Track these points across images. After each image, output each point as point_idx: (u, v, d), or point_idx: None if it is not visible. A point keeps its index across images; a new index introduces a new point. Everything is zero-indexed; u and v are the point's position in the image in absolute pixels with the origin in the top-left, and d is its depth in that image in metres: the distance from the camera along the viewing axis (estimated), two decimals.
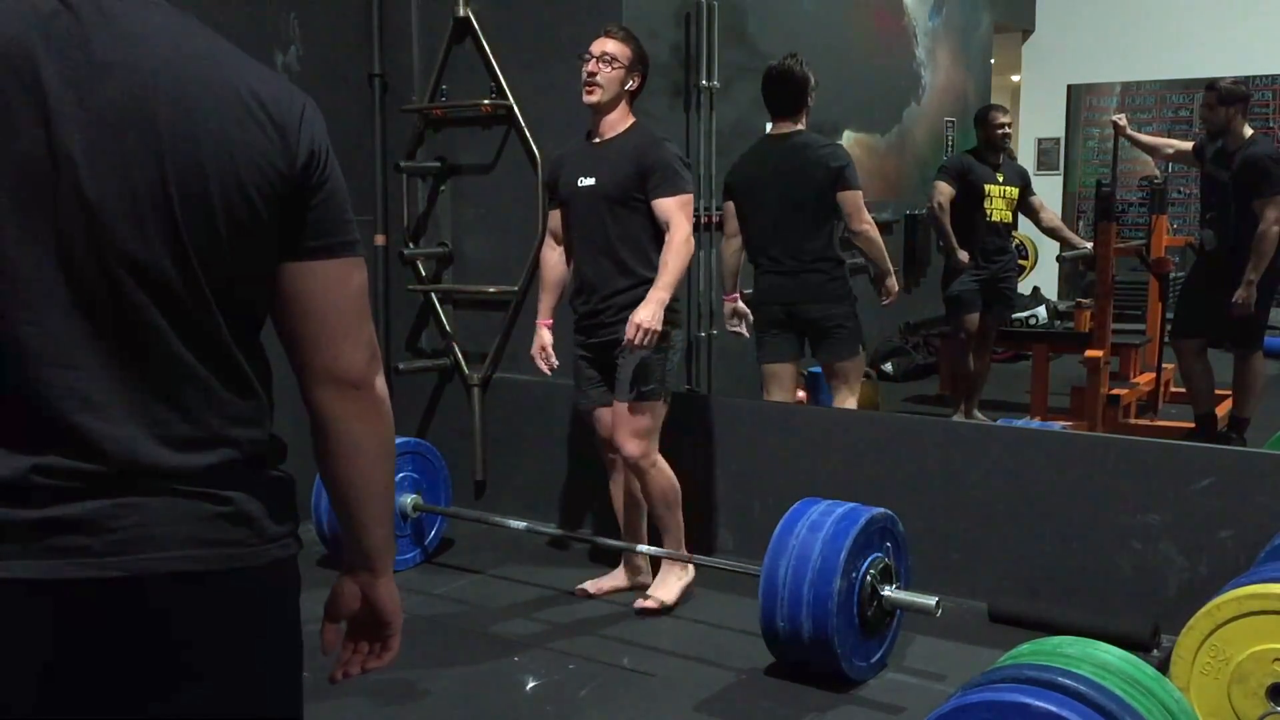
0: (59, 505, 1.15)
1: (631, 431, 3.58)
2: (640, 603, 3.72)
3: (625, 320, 3.48)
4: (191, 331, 1.21)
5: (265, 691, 1.31)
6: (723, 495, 4.26)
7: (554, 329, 3.81)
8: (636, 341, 3.41)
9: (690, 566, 3.79)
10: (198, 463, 1.21)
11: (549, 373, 3.80)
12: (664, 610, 3.71)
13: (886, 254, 4.38)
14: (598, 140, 3.62)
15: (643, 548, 3.74)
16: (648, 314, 3.41)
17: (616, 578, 3.92)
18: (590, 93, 3.54)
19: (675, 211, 3.49)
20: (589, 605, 3.83)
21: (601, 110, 3.57)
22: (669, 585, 3.75)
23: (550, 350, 3.77)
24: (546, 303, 3.85)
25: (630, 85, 3.57)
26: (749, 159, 4.45)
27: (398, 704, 3.12)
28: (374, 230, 4.70)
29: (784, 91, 4.26)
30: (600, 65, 3.51)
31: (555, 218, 3.80)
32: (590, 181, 3.59)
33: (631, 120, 3.62)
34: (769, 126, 4.39)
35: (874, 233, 4.26)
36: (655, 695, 3.20)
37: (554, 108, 4.40)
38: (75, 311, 1.16)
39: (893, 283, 4.40)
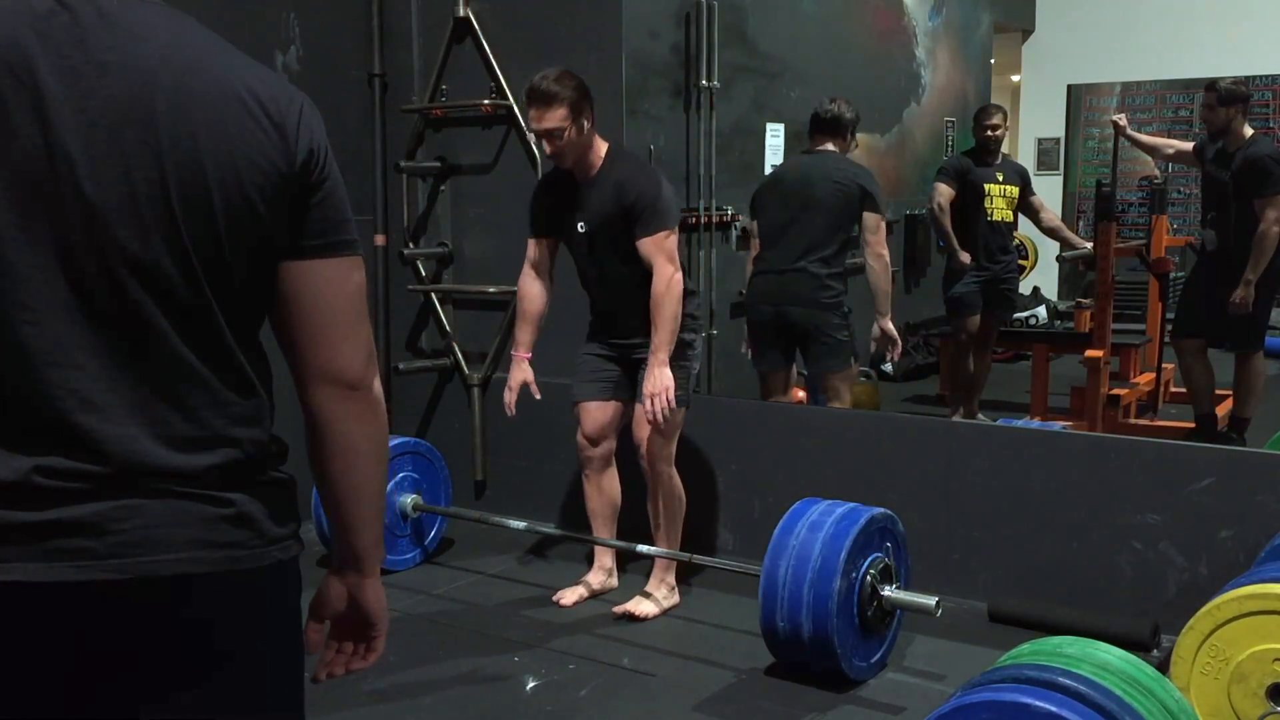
0: (61, 507, 1.14)
1: (654, 433, 3.59)
2: (620, 607, 3.73)
3: (649, 334, 3.51)
4: (192, 330, 1.21)
5: (266, 692, 1.31)
6: (723, 495, 4.26)
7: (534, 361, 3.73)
8: (657, 410, 3.43)
9: (676, 591, 3.81)
10: (199, 463, 1.21)
11: (512, 413, 3.72)
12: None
13: (890, 294, 4.43)
14: (581, 180, 3.52)
15: (643, 548, 3.74)
16: (655, 383, 3.43)
17: (587, 585, 3.90)
18: (562, 161, 3.46)
19: (656, 253, 3.43)
20: (588, 605, 3.83)
21: (576, 161, 3.48)
22: (656, 603, 3.74)
23: (533, 384, 3.69)
24: (526, 335, 3.72)
25: (586, 124, 3.41)
26: (779, 167, 4.58)
27: (398, 704, 3.12)
28: (374, 230, 4.70)
29: (830, 124, 4.45)
30: (553, 141, 3.39)
31: (537, 247, 3.69)
32: (584, 226, 3.55)
33: (604, 147, 3.50)
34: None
35: (888, 260, 4.36)
36: (655, 695, 3.20)
37: None
38: (75, 311, 1.16)
39: (890, 329, 4.44)
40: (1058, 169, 9.49)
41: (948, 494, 3.85)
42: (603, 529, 3.87)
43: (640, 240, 3.43)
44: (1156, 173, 8.47)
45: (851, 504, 3.25)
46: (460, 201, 4.74)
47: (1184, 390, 5.49)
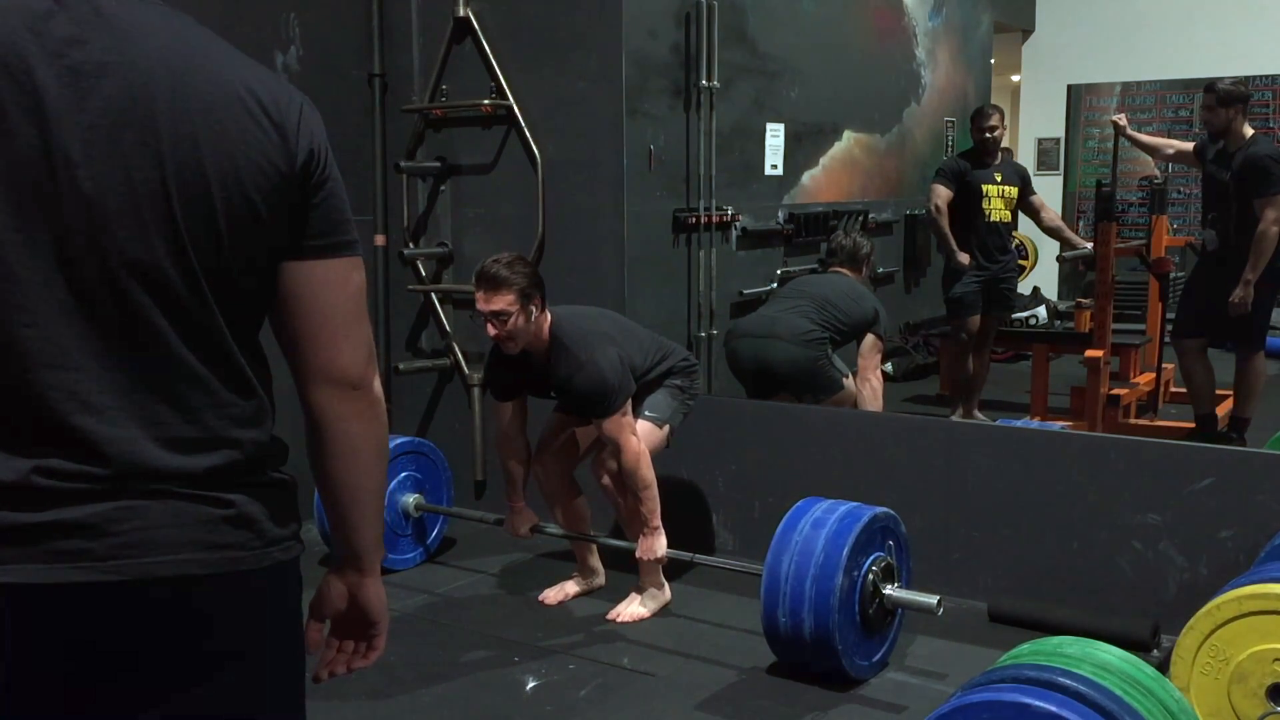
0: (60, 508, 1.14)
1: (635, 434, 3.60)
2: (611, 612, 3.73)
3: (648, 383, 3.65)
4: (192, 332, 1.21)
5: (267, 692, 1.31)
6: (723, 495, 4.26)
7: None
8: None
9: (667, 589, 3.81)
10: (199, 465, 1.21)
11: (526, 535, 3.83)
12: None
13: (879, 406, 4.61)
14: (536, 358, 3.48)
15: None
16: (648, 548, 3.55)
17: (574, 584, 3.93)
18: (506, 347, 3.40)
19: (616, 434, 3.45)
20: (588, 605, 3.83)
21: (524, 346, 3.43)
22: (644, 604, 3.75)
23: (538, 524, 3.79)
24: (518, 488, 3.74)
25: (535, 309, 3.34)
26: (802, 277, 4.96)
27: (397, 704, 3.12)
28: (374, 230, 4.70)
29: (847, 253, 4.84)
30: (498, 324, 3.31)
31: (508, 410, 3.64)
32: (554, 395, 3.60)
33: (548, 334, 3.43)
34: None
35: (878, 387, 4.53)
36: (655, 695, 3.20)
37: (554, 108, 4.40)
38: (74, 312, 1.16)
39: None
40: (1058, 169, 9.49)
41: (948, 494, 3.85)
42: (579, 533, 3.90)
43: (600, 423, 3.48)
44: (1156, 173, 8.47)
45: (854, 503, 3.25)
46: (460, 201, 4.74)
47: (1184, 390, 5.49)
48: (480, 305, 3.33)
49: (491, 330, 3.34)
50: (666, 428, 3.69)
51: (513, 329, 3.32)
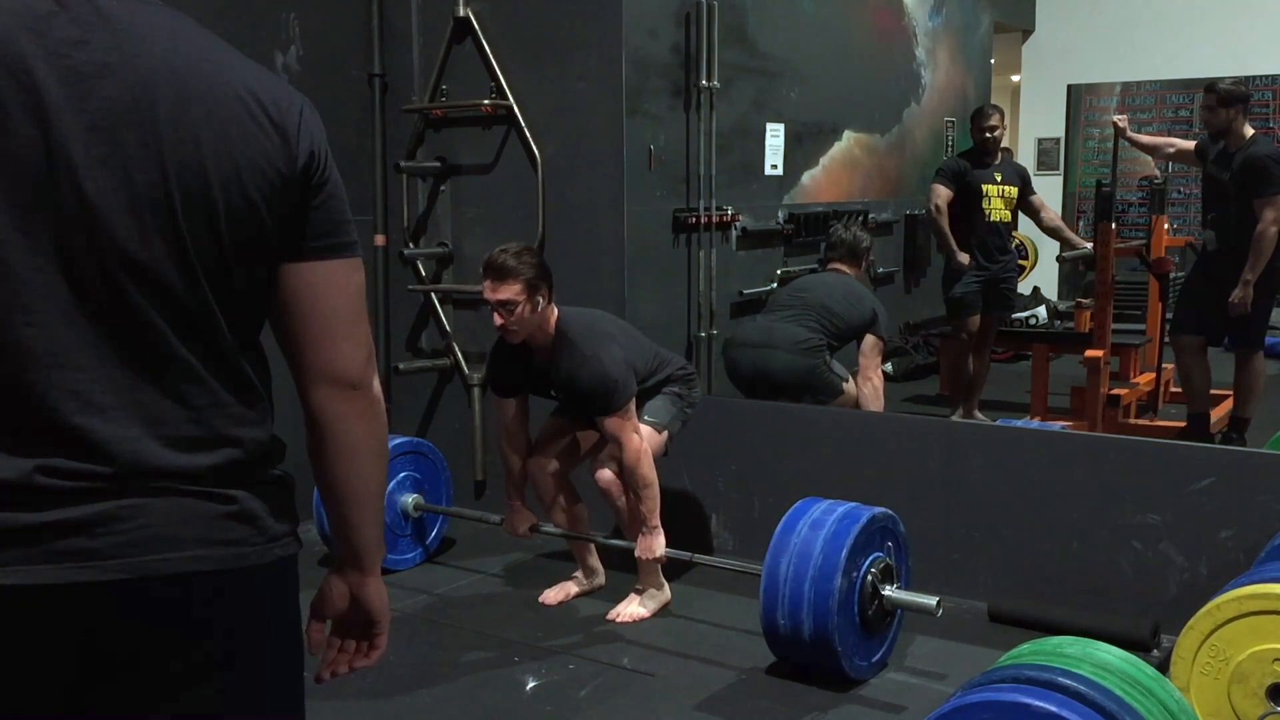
0: (63, 508, 1.14)
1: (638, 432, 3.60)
2: (611, 612, 3.74)
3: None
4: (192, 332, 1.21)
5: (268, 690, 1.31)
6: (723, 495, 4.26)
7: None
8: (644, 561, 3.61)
9: (666, 588, 3.82)
10: (201, 463, 1.21)
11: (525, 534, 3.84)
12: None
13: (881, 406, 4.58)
14: (539, 354, 3.50)
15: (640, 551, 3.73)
16: (648, 547, 3.55)
17: (578, 581, 3.94)
18: (511, 337, 3.42)
19: (619, 432, 3.45)
20: (588, 605, 3.83)
21: (528, 337, 3.46)
22: (644, 604, 3.76)
23: (538, 524, 3.79)
24: (518, 488, 3.75)
25: (541, 301, 3.37)
26: (799, 280, 4.90)
27: (398, 704, 3.13)
28: (374, 230, 4.71)
29: (847, 247, 4.76)
30: (504, 314, 3.34)
31: (510, 408, 3.67)
32: (555, 394, 3.61)
33: (553, 328, 3.46)
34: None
35: (879, 385, 4.50)
36: (655, 695, 3.20)
37: (554, 108, 4.40)
38: (76, 312, 1.16)
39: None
40: (1058, 169, 9.49)
41: (948, 494, 3.85)
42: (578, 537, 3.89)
43: (602, 421, 3.48)
44: (1156, 173, 8.47)
45: (853, 503, 3.25)
46: (460, 201, 4.74)
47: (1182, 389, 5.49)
48: (487, 294, 3.36)
49: (498, 319, 3.37)
50: (665, 433, 3.69)
51: (519, 319, 3.35)
